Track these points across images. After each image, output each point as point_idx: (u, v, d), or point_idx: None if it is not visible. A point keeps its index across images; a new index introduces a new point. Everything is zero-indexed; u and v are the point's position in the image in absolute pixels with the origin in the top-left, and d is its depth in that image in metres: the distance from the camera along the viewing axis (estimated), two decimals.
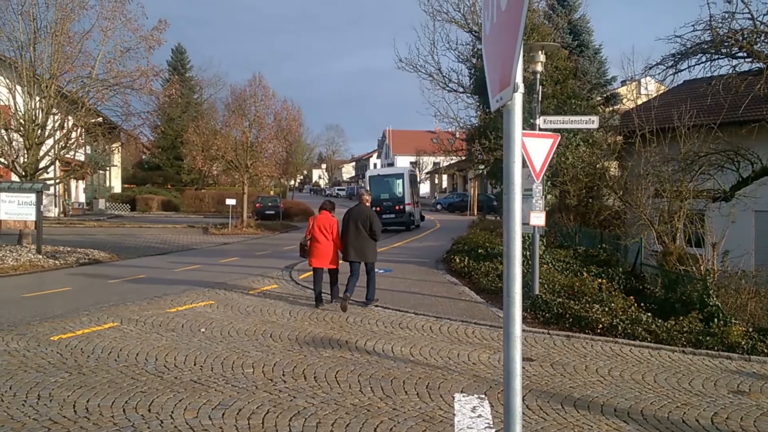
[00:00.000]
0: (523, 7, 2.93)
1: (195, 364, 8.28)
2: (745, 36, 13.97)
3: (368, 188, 35.81)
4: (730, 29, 13.99)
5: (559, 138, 12.96)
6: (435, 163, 78.68)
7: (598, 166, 22.62)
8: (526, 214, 12.23)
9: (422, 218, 42.81)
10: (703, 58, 14.71)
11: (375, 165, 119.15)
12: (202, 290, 14.40)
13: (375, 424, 6.26)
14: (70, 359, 8.44)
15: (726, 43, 14.18)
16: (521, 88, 3.13)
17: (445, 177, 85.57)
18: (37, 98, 22.12)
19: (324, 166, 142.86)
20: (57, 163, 25.83)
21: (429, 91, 75.22)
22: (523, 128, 8.71)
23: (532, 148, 11.83)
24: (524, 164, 11.56)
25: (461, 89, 28.40)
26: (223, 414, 6.44)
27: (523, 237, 13.51)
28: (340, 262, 13.01)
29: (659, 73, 15.92)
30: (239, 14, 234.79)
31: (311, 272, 16.18)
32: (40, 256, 20.60)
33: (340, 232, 12.93)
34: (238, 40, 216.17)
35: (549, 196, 17.77)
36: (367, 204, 13.16)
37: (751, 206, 16.39)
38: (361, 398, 7.04)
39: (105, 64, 23.26)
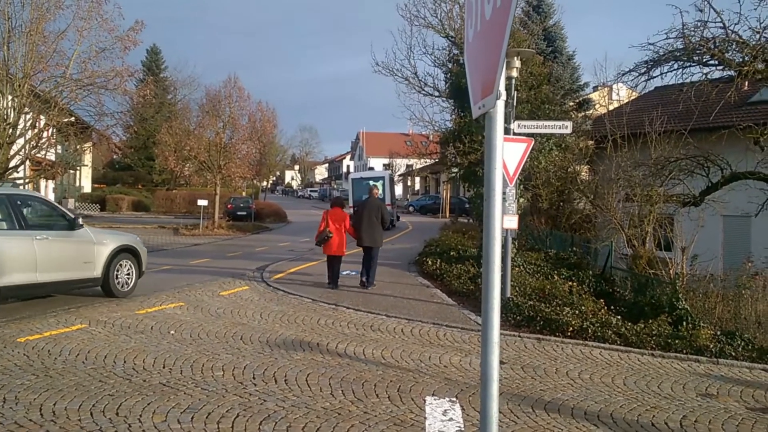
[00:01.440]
0: (508, 16, 2.92)
1: (164, 367, 8.19)
2: (717, 44, 14.13)
3: (351, 190, 37.01)
4: (703, 37, 14.13)
5: (533, 142, 13.05)
6: (408, 166, 78.72)
7: (569, 170, 22.79)
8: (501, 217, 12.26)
9: (398, 218, 44.13)
10: (675, 66, 14.84)
11: (348, 167, 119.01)
12: (172, 292, 14.27)
13: (346, 427, 6.24)
14: (36, 361, 8.31)
15: (698, 51, 14.33)
16: (504, 96, 3.14)
17: (417, 179, 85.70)
18: (10, 97, 21.79)
19: (297, 167, 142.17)
20: (27, 162, 25.48)
21: (405, 95, 75.11)
22: None
23: (506, 152, 11.88)
24: None
25: (437, 93, 28.48)
26: (192, 418, 6.37)
27: None
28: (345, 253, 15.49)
29: (632, 80, 16.02)
30: (215, 16, 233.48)
31: (283, 273, 16.40)
32: None
33: (355, 222, 15.36)
34: (214, 42, 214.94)
35: (521, 200, 17.87)
36: (377, 196, 15.81)
37: (720, 211, 16.59)
38: (332, 401, 7.01)
39: (79, 63, 23.03)
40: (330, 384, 7.64)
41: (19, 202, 12.14)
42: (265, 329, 10.64)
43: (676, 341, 10.04)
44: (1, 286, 11.07)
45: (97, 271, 13.04)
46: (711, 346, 9.85)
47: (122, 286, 13.57)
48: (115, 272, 13.41)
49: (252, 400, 6.97)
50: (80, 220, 13.09)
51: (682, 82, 15.26)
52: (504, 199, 12.44)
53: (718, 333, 10.43)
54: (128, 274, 13.78)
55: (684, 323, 10.80)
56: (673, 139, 16.52)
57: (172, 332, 10.21)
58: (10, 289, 11.41)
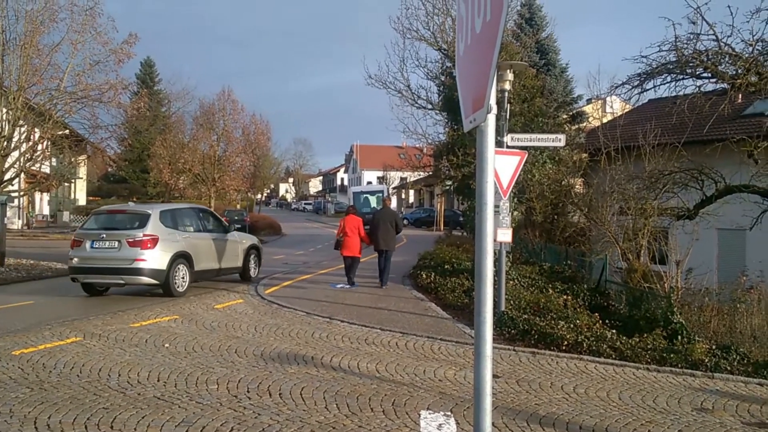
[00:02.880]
0: (498, 30, 2.94)
1: (158, 380, 8.17)
2: (710, 57, 14.20)
3: (351, 203, 38.38)
4: (695, 50, 14.21)
5: (527, 155, 13.07)
6: (402, 178, 78.81)
7: (563, 183, 22.85)
8: (494, 230, 12.27)
9: None
10: (669, 78, 14.92)
11: (342, 179, 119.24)
12: (167, 304, 14.23)
13: None
14: (31, 374, 8.28)
15: (691, 64, 14.40)
16: (494, 110, 3.14)
17: (411, 192, 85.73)
18: (4, 110, 21.79)
19: (291, 180, 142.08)
20: (22, 175, 25.43)
21: (398, 108, 74.60)
22: None
23: (499, 165, 11.90)
24: None
25: (430, 106, 28.61)
26: (187, 431, 6.35)
27: None
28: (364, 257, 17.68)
29: (625, 93, 16.11)
30: (209, 28, 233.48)
31: (278, 287, 16.49)
32: (2, 269, 20.21)
33: (372, 229, 17.45)
34: (207, 54, 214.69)
35: (515, 213, 17.93)
36: (390, 206, 18.08)
37: (714, 224, 16.62)
38: (326, 415, 6.99)
39: (74, 76, 23.05)
40: (324, 398, 7.62)
41: (201, 214, 17.64)
42: (260, 342, 10.62)
43: (671, 355, 10.02)
44: (198, 270, 16.09)
45: (240, 262, 18.17)
46: (706, 360, 9.83)
47: (252, 273, 18.76)
48: (249, 263, 18.56)
49: (246, 413, 6.95)
50: (233, 227, 18.96)
51: (676, 94, 15.36)
52: (497, 213, 12.45)
53: (714, 347, 10.41)
54: (254, 265, 19.02)
55: (679, 337, 10.79)
56: (666, 152, 16.56)
57: (166, 345, 10.18)
58: (202, 273, 16.46)
